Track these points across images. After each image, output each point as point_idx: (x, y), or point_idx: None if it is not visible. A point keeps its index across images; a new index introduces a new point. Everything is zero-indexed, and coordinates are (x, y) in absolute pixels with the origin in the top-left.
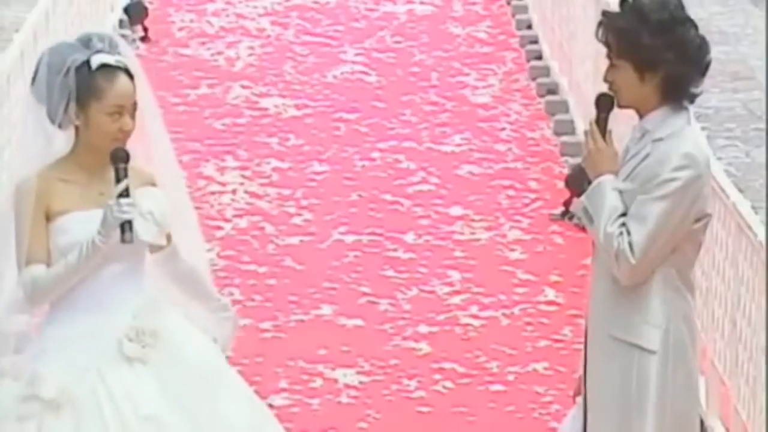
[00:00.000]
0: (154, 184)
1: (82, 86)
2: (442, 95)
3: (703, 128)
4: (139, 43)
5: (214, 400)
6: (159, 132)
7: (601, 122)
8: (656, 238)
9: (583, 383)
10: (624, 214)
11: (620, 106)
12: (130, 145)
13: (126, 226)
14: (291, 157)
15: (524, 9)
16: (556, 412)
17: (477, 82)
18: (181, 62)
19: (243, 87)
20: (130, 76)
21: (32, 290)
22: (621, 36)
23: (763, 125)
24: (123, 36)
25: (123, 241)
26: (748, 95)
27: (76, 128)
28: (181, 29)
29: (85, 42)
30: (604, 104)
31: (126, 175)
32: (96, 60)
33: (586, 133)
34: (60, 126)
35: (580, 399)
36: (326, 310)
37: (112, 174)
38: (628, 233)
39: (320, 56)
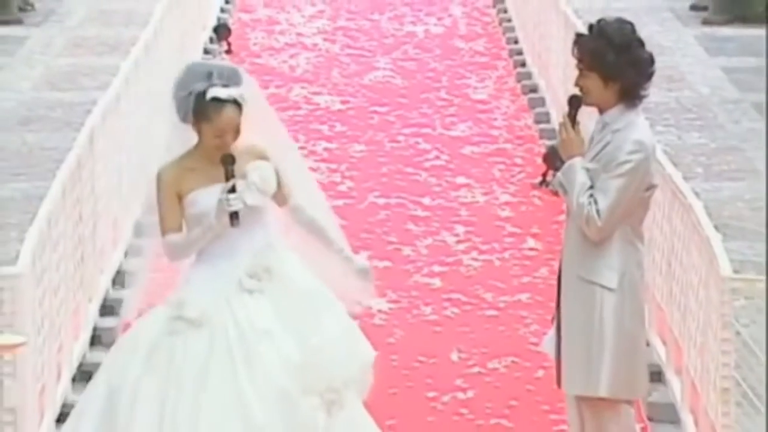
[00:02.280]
0: (264, 156)
1: (197, 110)
2: (450, 93)
3: (646, 118)
4: (224, 55)
5: (317, 317)
6: (274, 127)
7: (572, 116)
8: (616, 205)
9: (556, 311)
10: (591, 187)
11: (586, 104)
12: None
13: (234, 215)
14: (337, 140)
15: (512, 29)
16: (536, 331)
17: (477, 84)
18: (254, 69)
19: (301, 87)
20: (239, 104)
21: (172, 252)
22: (591, 55)
23: (691, 115)
24: (213, 49)
25: (232, 225)
26: (679, 93)
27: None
28: (255, 44)
29: (209, 75)
30: (574, 103)
31: (233, 175)
32: (210, 93)
33: (560, 124)
34: (185, 121)
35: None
36: (363, 254)
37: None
38: (596, 203)
39: (359, 64)
